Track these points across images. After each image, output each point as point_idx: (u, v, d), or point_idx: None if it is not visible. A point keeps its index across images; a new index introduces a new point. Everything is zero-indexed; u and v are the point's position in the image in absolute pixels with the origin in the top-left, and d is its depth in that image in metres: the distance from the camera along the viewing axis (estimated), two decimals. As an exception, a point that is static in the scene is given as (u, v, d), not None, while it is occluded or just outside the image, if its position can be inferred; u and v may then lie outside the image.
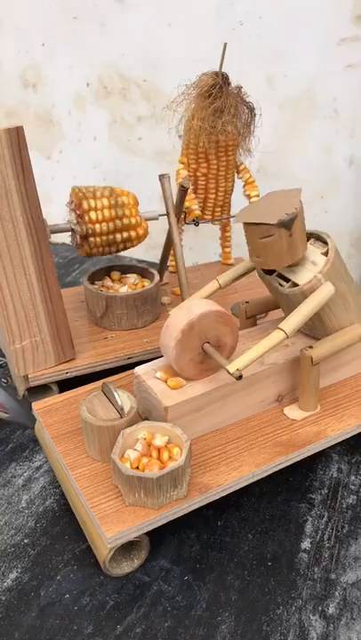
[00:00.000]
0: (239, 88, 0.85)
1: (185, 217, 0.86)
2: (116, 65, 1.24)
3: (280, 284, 0.66)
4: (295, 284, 0.65)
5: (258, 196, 0.91)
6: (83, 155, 1.36)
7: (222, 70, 0.85)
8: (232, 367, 0.61)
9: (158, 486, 0.58)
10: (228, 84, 0.84)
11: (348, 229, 1.19)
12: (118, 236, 0.81)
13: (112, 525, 0.58)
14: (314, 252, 0.67)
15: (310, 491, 0.70)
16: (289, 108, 1.13)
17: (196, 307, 0.64)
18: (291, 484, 0.70)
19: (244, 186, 0.92)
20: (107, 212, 0.79)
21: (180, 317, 0.64)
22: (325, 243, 0.67)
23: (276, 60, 1.10)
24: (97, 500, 0.61)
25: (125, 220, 0.80)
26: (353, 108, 1.09)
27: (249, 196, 0.91)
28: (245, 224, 0.63)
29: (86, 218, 0.78)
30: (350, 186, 1.15)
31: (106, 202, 0.79)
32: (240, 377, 0.60)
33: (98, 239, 0.80)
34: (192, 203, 0.87)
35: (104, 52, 1.23)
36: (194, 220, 0.86)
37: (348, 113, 1.10)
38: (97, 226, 0.79)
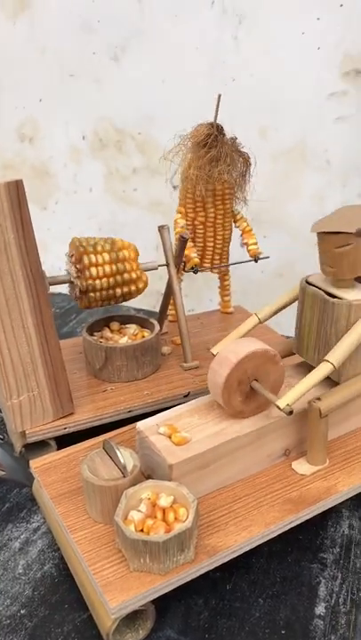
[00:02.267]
0: (234, 139, 0.85)
1: (184, 266, 0.84)
2: (112, 118, 1.24)
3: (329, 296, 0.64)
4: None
5: (255, 244, 0.89)
6: (78, 206, 1.35)
7: (217, 122, 0.84)
8: (282, 402, 0.60)
9: (165, 550, 0.54)
10: (223, 134, 0.84)
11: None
12: (118, 290, 0.79)
13: (116, 593, 0.54)
14: None
15: (322, 550, 0.65)
16: (282, 159, 1.13)
17: (244, 345, 0.63)
18: (301, 543, 0.66)
19: (241, 234, 0.91)
20: (107, 268, 0.77)
21: (229, 355, 0.62)
22: None
23: (268, 114, 1.11)
24: (100, 566, 0.56)
25: (126, 275, 0.78)
26: (344, 158, 1.09)
27: (247, 244, 0.89)
28: (322, 233, 0.62)
29: (87, 273, 0.76)
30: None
31: (107, 257, 0.77)
32: (291, 412, 0.60)
33: (97, 294, 0.78)
34: (191, 251, 0.85)
35: (100, 107, 1.24)
36: (193, 268, 0.84)
37: (340, 163, 1.10)
38: (97, 282, 0.77)
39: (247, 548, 0.59)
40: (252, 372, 0.63)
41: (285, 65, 1.06)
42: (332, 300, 0.64)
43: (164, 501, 0.58)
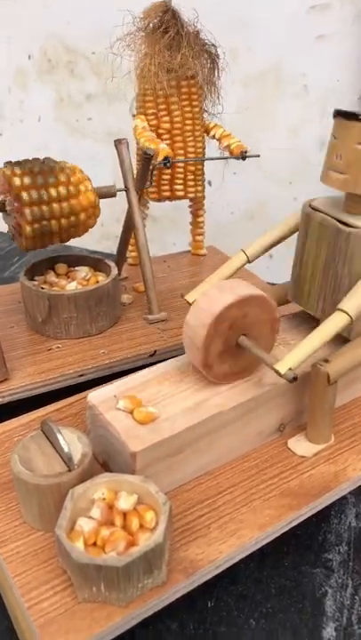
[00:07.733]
0: (197, 31, 0.66)
1: (151, 159, 0.63)
2: (61, 35, 1.01)
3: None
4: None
5: (239, 141, 0.69)
6: (26, 137, 1.11)
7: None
8: (282, 366, 0.41)
9: (126, 576, 0.36)
10: (180, 20, 0.65)
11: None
12: (56, 205, 0.57)
13: (59, 637, 0.35)
14: None
15: (325, 549, 0.48)
16: (254, 84, 0.93)
17: (232, 288, 0.44)
18: (300, 541, 0.48)
19: (219, 142, 0.70)
20: (36, 179, 0.57)
21: (212, 303, 0.43)
22: None
23: (240, 31, 0.89)
24: (36, 595, 0.38)
25: (63, 191, 0.57)
26: (323, 84, 0.89)
27: (228, 146, 0.69)
28: (342, 118, 0.43)
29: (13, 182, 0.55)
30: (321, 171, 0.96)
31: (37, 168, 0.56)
32: (295, 378, 0.41)
33: (33, 210, 0.56)
34: (157, 143, 0.65)
35: (47, 21, 1.00)
36: (165, 160, 0.62)
37: (319, 89, 0.90)
38: (25, 194, 0.55)
39: (236, 560, 0.41)
40: (242, 325, 0.44)
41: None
42: (347, 229, 0.44)
43: (125, 503, 0.40)
